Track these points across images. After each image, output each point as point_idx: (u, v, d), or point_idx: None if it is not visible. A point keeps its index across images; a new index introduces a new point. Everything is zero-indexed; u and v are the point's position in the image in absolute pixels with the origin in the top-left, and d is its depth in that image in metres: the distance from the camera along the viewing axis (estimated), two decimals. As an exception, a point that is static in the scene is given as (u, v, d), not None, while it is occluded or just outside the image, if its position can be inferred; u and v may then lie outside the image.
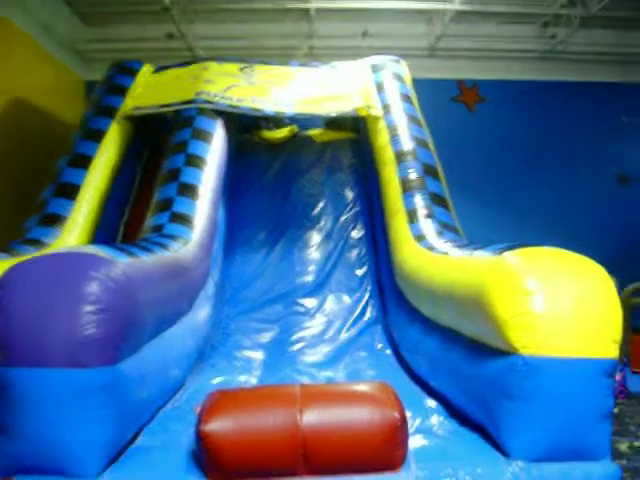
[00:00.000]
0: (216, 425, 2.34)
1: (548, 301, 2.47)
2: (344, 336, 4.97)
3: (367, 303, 5.38)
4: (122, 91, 6.36)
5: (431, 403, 3.36)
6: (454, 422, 3.00)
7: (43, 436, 2.30)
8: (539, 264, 2.60)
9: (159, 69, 6.92)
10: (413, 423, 2.92)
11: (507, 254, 2.72)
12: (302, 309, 5.27)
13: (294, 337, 4.94)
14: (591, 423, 2.50)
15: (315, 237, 5.95)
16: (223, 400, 2.49)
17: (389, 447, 2.37)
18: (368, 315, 5.28)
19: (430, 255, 4.06)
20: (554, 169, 9.86)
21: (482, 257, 2.97)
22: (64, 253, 2.60)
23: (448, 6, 8.51)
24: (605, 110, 9.97)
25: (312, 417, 2.38)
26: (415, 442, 2.64)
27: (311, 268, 5.66)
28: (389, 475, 2.40)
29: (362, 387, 2.57)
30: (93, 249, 2.70)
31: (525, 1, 8.89)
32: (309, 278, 5.57)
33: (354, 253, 5.84)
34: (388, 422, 2.36)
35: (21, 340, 2.32)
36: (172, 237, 4.29)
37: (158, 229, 4.48)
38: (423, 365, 3.80)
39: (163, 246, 3.87)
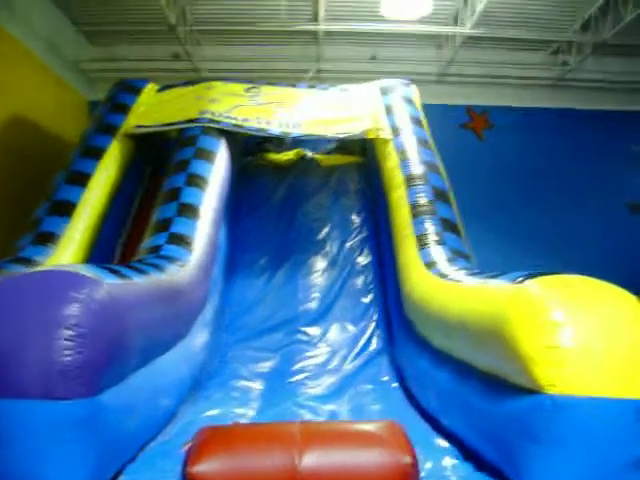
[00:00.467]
0: (205, 467, 2.10)
1: (578, 334, 2.22)
2: (348, 367, 4.70)
3: (373, 333, 5.12)
4: (125, 109, 6.20)
5: (443, 443, 3.08)
6: (469, 466, 2.72)
7: (13, 473, 2.05)
8: (566, 293, 2.36)
9: (163, 88, 6.77)
10: (423, 466, 2.62)
11: (529, 282, 2.47)
12: (304, 338, 5.01)
13: (295, 367, 4.66)
14: (624, 471, 2.23)
15: (320, 263, 5.71)
16: (214, 438, 2.24)
17: (399, 495, 2.11)
18: (374, 345, 5.00)
19: (441, 282, 3.81)
20: (564, 197, 9.66)
21: (500, 286, 2.72)
22: (43, 271, 2.37)
23: (458, 30, 8.37)
24: (616, 138, 9.80)
25: (312, 460, 2.12)
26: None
27: (315, 295, 5.41)
28: (398, 528, 2.13)
29: (369, 427, 2.31)
30: (77, 267, 2.48)
31: (536, 27, 8.76)
32: (312, 305, 5.31)
33: (360, 280, 5.60)
34: (399, 467, 2.10)
35: (-8, 368, 2.08)
36: (169, 259, 4.06)
37: (155, 250, 4.26)
38: (433, 400, 3.53)
39: (158, 268, 3.64)
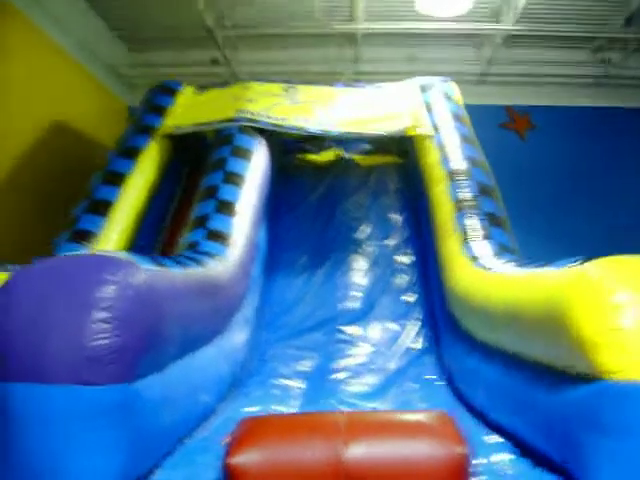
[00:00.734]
0: (245, 458, 1.98)
1: (645, 315, 2.04)
2: (392, 366, 4.52)
3: (417, 332, 4.93)
4: (162, 111, 6.20)
5: (496, 439, 2.90)
6: (526, 461, 2.54)
7: (41, 462, 1.96)
8: (628, 273, 2.18)
9: (200, 89, 6.76)
10: (477, 461, 2.45)
11: (587, 264, 2.30)
12: (345, 337, 4.86)
13: (336, 366, 4.51)
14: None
15: (360, 262, 5.57)
16: (255, 429, 2.12)
17: (452, 490, 1.96)
18: (419, 345, 4.82)
19: (487, 274, 3.64)
20: (607, 199, 9.29)
21: (554, 271, 2.54)
22: (77, 255, 2.29)
23: (499, 27, 8.17)
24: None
25: (358, 451, 1.98)
26: (481, 486, 2.18)
27: (355, 294, 5.26)
28: (452, 525, 1.97)
29: (418, 417, 2.16)
30: (112, 253, 2.40)
31: (578, 23, 8.49)
32: (353, 304, 5.17)
33: (402, 279, 5.43)
34: (452, 458, 1.95)
35: (22, 351, 2.01)
36: (207, 254, 3.99)
37: (193, 246, 4.20)
38: (482, 397, 3.35)
39: (196, 261, 3.57)
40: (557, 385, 2.35)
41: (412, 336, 4.88)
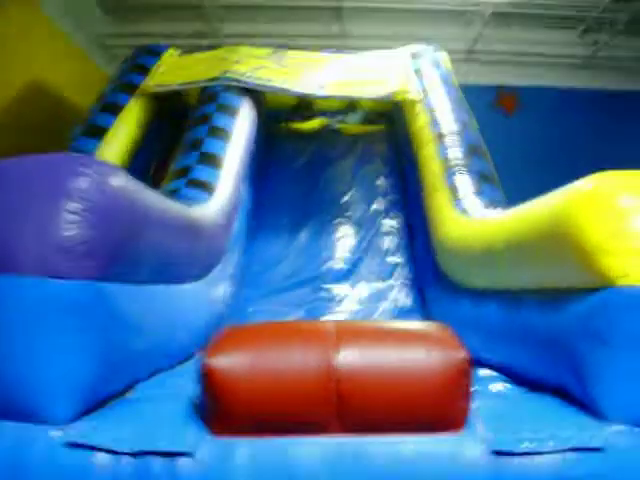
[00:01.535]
0: (226, 360, 1.81)
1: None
2: (377, 322, 4.39)
3: (401, 291, 4.82)
4: (144, 70, 6.01)
5: (488, 372, 2.79)
6: (522, 389, 2.42)
7: (3, 359, 1.79)
8: (632, 182, 2.06)
9: (185, 52, 6.58)
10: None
11: (591, 177, 2.17)
12: (329, 295, 4.72)
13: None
14: None
15: (345, 224, 5.43)
16: (238, 334, 1.96)
17: (451, 398, 1.82)
18: (403, 302, 4.70)
19: (482, 221, 3.53)
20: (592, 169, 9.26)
21: (555, 193, 2.40)
22: (50, 154, 2.10)
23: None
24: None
25: (350, 356, 1.83)
26: (478, 404, 2.03)
27: (340, 254, 5.12)
28: (449, 435, 1.83)
29: (415, 325, 2.02)
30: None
31: (566, 4, 8.44)
32: (337, 264, 5.02)
33: (387, 241, 5.30)
34: (451, 365, 1.81)
35: (-8, 241, 1.83)
36: (188, 198, 3.83)
37: (173, 192, 4.02)
38: (475, 339, 3.19)
39: (176, 200, 3.41)
40: (558, 306, 2.22)
41: (397, 294, 4.76)
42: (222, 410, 1.81)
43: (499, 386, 2.48)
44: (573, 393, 2.08)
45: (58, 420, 1.82)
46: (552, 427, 1.86)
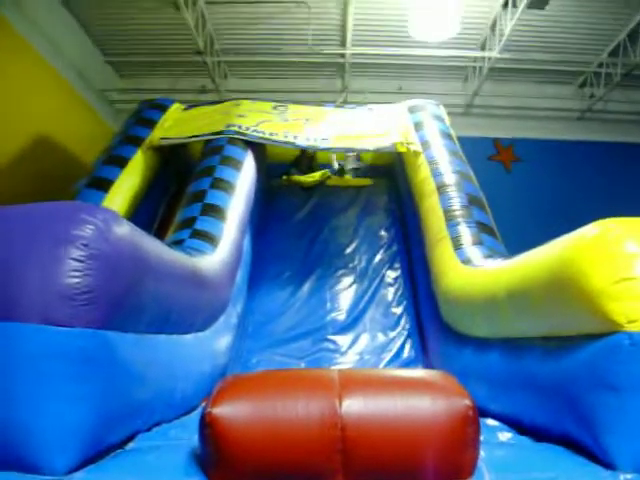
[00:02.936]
0: (228, 409, 1.78)
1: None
2: (380, 374, 4.34)
3: (405, 342, 4.79)
4: (150, 123, 6.12)
5: (493, 423, 2.74)
6: (527, 439, 2.37)
7: (3, 407, 1.77)
8: (635, 227, 2.07)
9: (190, 107, 6.73)
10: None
11: (594, 224, 2.19)
12: (333, 346, 4.69)
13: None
14: None
15: (348, 275, 5.45)
16: (241, 382, 1.94)
17: (457, 446, 1.78)
18: (406, 354, 4.67)
19: (484, 270, 3.53)
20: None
21: (559, 241, 2.41)
22: (53, 202, 2.12)
23: (486, 54, 8.28)
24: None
25: (355, 405, 1.80)
26: (485, 453, 1.99)
27: (343, 305, 5.11)
28: (456, 486, 1.79)
29: (419, 373, 2.00)
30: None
31: (564, 55, 8.65)
32: (341, 315, 5.01)
33: (390, 292, 5.30)
34: (457, 412, 1.78)
35: (-5, 288, 1.83)
36: (193, 249, 3.84)
37: (178, 243, 4.04)
38: (479, 389, 3.16)
39: (182, 250, 3.43)
40: (563, 353, 2.21)
41: (399, 346, 4.73)
42: (224, 460, 1.78)
43: (505, 436, 2.44)
44: (579, 441, 2.04)
45: (57, 471, 1.78)
46: (561, 477, 1.82)
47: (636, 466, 1.83)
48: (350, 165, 7.06)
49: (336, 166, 7.01)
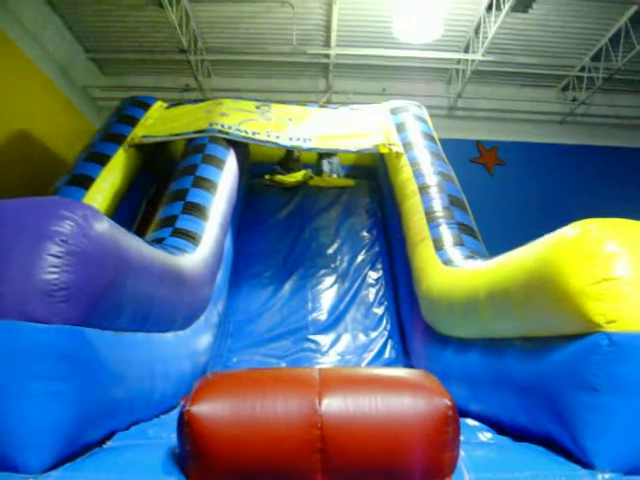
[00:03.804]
0: (207, 407, 1.77)
1: (636, 263, 1.94)
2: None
3: (386, 342, 4.80)
4: (132, 121, 6.08)
5: (473, 422, 2.75)
6: (507, 439, 2.39)
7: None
8: (614, 227, 2.09)
9: (172, 105, 6.69)
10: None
11: (574, 224, 2.20)
12: (313, 346, 4.68)
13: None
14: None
15: (329, 275, 5.44)
16: (221, 381, 1.92)
17: (437, 446, 1.78)
18: (387, 354, 4.68)
19: (464, 270, 3.54)
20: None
21: (540, 241, 2.42)
22: (38, 197, 2.09)
23: (469, 56, 8.33)
24: (625, 174, 9.61)
25: (335, 404, 1.80)
26: (465, 453, 1.99)
27: (325, 306, 5.11)
28: (435, 485, 1.79)
29: (400, 373, 2.00)
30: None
31: (547, 58, 8.73)
32: (322, 316, 5.01)
33: (372, 292, 5.31)
34: (437, 412, 1.78)
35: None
36: (174, 247, 3.81)
37: (159, 241, 4.01)
38: (459, 389, 3.18)
39: (163, 248, 3.40)
40: (542, 353, 2.23)
41: (380, 346, 4.74)
42: (202, 458, 1.76)
43: (486, 436, 2.45)
44: (559, 441, 2.06)
45: (32, 470, 1.76)
46: (540, 477, 1.83)
47: (614, 466, 1.85)
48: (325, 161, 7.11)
49: (325, 167, 7.00)
